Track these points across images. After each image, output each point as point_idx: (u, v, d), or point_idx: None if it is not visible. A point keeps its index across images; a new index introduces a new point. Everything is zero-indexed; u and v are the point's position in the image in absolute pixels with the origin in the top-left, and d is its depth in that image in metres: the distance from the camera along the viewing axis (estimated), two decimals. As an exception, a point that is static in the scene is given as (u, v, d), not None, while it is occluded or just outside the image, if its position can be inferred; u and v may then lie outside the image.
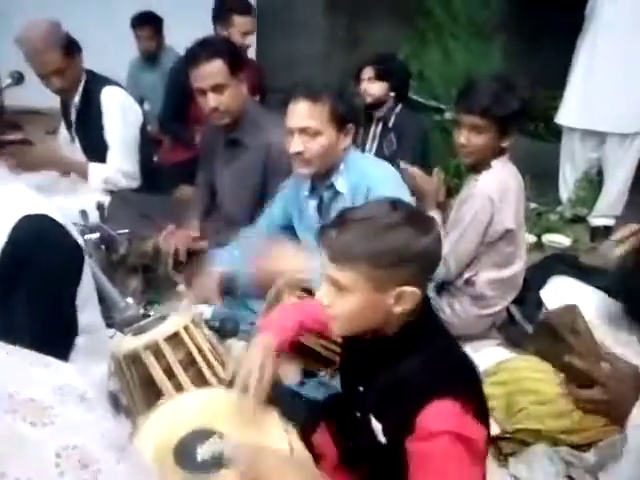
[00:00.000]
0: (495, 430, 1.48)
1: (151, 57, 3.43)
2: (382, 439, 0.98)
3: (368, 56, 2.68)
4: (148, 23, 3.34)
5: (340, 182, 1.65)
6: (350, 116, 1.60)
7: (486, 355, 1.83)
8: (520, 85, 1.86)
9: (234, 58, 1.92)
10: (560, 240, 2.73)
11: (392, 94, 2.62)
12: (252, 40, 3.40)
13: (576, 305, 1.51)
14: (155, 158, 2.85)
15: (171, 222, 2.10)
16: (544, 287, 2.11)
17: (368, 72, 2.60)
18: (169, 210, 2.27)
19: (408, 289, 0.92)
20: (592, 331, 1.41)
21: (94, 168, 2.27)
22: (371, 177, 1.61)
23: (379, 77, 2.58)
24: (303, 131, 1.57)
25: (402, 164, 1.93)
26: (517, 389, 1.59)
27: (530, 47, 3.06)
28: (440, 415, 0.90)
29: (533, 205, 2.93)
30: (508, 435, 1.50)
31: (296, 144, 1.58)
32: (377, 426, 0.99)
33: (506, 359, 1.74)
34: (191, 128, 2.84)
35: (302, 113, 1.56)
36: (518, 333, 1.98)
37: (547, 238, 2.74)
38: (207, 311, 1.70)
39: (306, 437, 1.13)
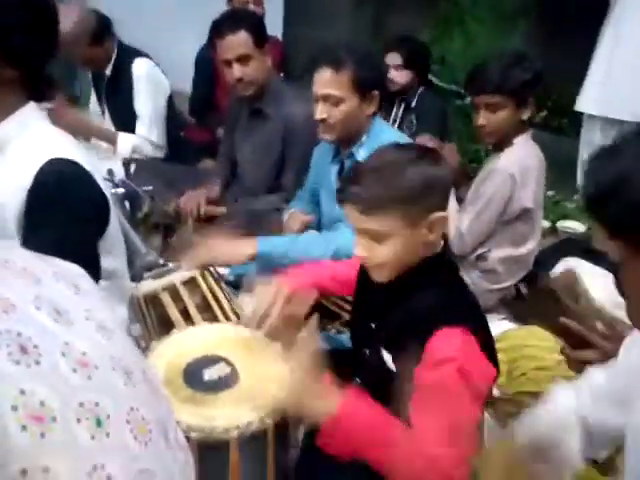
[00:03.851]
0: (496, 393, 1.53)
1: None
2: (392, 367, 1.02)
3: (391, 39, 2.69)
4: None
5: (361, 153, 1.67)
6: (375, 83, 1.62)
7: (492, 326, 1.86)
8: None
9: (258, 30, 2.00)
10: (574, 226, 2.74)
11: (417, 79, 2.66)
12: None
13: (575, 270, 1.54)
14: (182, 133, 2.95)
15: (193, 188, 2.18)
16: (555, 267, 2.14)
17: (394, 58, 2.57)
18: (192, 179, 2.36)
19: (438, 215, 0.99)
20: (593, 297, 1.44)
21: (123, 137, 2.37)
22: None
23: (406, 65, 2.59)
24: (326, 98, 1.61)
25: (420, 138, 1.96)
26: (519, 356, 1.63)
27: (554, 32, 3.06)
28: (448, 342, 0.94)
29: (550, 193, 2.94)
30: (508, 397, 1.54)
31: (320, 111, 1.63)
32: (387, 357, 1.03)
33: (510, 329, 1.78)
34: (218, 115, 2.90)
35: (325, 81, 1.60)
36: (525, 309, 2.01)
37: (562, 224, 2.76)
38: (225, 269, 1.77)
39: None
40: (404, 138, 1.76)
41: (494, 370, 1.02)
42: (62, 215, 1.06)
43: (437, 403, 0.93)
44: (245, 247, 1.45)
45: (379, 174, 0.98)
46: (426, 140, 1.91)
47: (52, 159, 1.06)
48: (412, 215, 0.98)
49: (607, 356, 1.00)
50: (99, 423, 0.40)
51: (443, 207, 1.01)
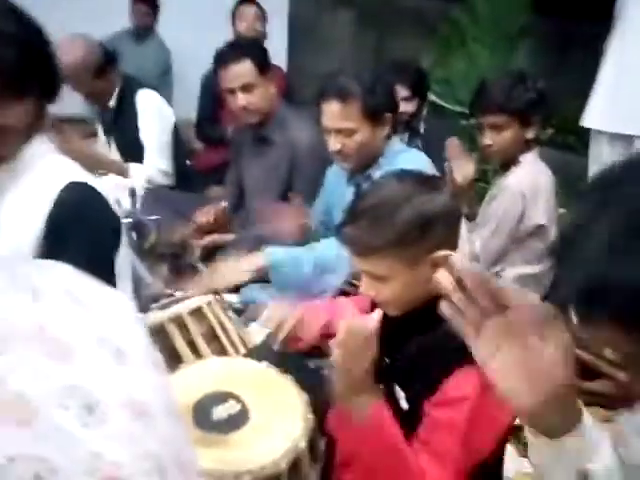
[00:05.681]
0: (518, 422, 1.47)
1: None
2: (404, 405, 0.99)
3: (392, 70, 2.60)
4: None
5: (378, 175, 1.60)
6: (385, 107, 1.62)
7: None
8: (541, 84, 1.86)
9: (262, 58, 2.00)
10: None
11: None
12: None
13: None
14: (188, 162, 2.95)
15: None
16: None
17: (400, 91, 2.40)
18: (200, 208, 2.34)
19: (442, 253, 0.93)
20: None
21: (135, 168, 2.37)
22: None
23: (413, 96, 2.53)
24: (338, 131, 1.61)
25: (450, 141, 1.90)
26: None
27: (558, 52, 3.06)
28: (464, 383, 0.91)
29: (561, 210, 2.90)
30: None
31: (333, 143, 1.63)
32: (401, 394, 1.00)
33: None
34: (225, 129, 2.91)
35: (334, 114, 1.60)
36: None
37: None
38: (233, 297, 1.74)
39: (322, 412, 1.14)
40: (421, 158, 1.74)
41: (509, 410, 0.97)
42: (84, 239, 1.06)
43: (444, 441, 0.90)
44: (252, 259, 1.42)
45: (373, 215, 0.95)
46: (454, 144, 1.85)
47: (70, 183, 1.06)
48: (410, 257, 0.94)
49: (623, 388, 0.91)
50: None
51: (450, 242, 0.96)
